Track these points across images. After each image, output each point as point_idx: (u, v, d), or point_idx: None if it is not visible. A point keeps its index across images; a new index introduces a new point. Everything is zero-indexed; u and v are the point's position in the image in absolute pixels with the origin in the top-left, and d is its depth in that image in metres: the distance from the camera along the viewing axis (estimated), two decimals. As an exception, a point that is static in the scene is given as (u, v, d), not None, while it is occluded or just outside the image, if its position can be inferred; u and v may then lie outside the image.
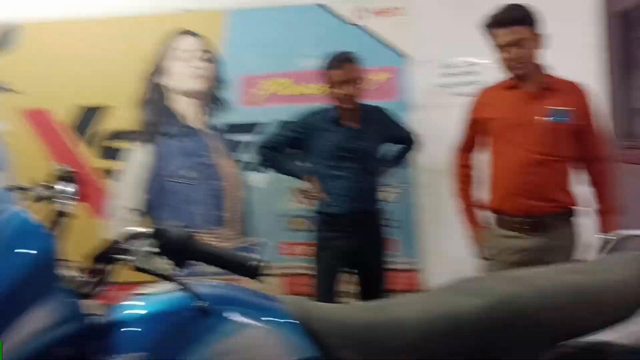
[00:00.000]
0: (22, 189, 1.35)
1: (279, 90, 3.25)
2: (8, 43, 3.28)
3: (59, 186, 1.36)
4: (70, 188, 1.36)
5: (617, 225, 2.30)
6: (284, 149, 2.85)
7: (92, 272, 1.13)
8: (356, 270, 2.81)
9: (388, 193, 3.20)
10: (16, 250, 1.01)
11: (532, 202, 2.36)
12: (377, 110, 2.87)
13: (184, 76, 3.25)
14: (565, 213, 2.40)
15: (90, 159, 3.29)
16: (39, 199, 1.35)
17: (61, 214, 1.33)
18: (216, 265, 1.13)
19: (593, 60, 3.18)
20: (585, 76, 3.09)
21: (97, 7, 3.23)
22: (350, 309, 1.41)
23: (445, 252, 3.14)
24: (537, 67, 2.39)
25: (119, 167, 3.29)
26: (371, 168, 2.80)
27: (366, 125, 2.78)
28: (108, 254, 1.13)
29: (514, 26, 2.29)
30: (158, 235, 1.11)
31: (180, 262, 1.10)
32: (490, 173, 2.50)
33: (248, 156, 3.25)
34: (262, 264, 1.10)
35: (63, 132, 3.29)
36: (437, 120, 3.18)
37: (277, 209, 3.27)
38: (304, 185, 2.87)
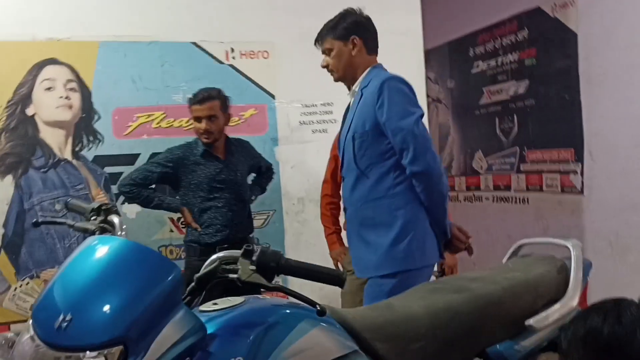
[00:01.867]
0: (71, 226, 1.38)
1: (152, 122, 3.32)
2: None
3: (114, 219, 1.41)
4: (118, 220, 1.42)
5: None
6: (151, 184, 2.93)
7: (201, 288, 1.30)
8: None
9: (256, 219, 3.46)
10: (154, 278, 1.18)
11: None
12: (241, 143, 3.11)
13: (50, 106, 3.15)
14: None
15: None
16: (92, 232, 1.39)
17: None
18: (306, 277, 1.33)
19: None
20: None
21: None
22: (369, 310, 1.68)
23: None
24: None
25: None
26: (240, 197, 3.01)
27: (232, 157, 3.00)
28: (214, 272, 1.31)
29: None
30: (250, 254, 1.28)
31: (271, 276, 1.28)
32: None
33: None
34: (345, 275, 1.32)
35: None
36: (299, 153, 3.55)
37: (148, 239, 3.31)
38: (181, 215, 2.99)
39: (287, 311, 1.42)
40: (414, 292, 1.82)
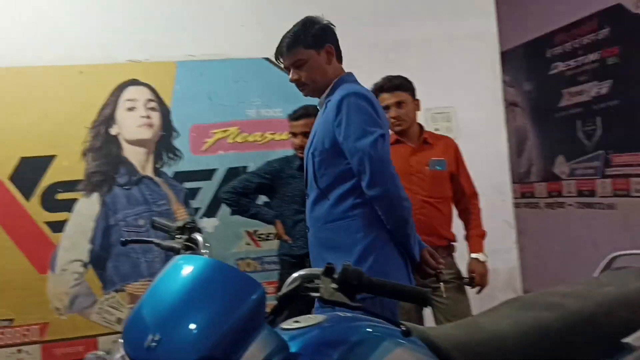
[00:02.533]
0: (157, 245, 1.43)
1: (227, 138, 3.39)
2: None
3: (198, 237, 1.45)
4: (202, 238, 1.46)
5: (482, 247, 2.88)
6: (250, 194, 3.03)
7: (283, 307, 1.31)
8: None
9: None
10: (238, 297, 1.19)
11: (423, 237, 2.79)
12: None
13: (132, 125, 3.28)
14: (447, 246, 2.86)
15: (35, 211, 3.17)
16: (177, 250, 1.43)
17: None
18: (390, 296, 1.31)
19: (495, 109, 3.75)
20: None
21: (43, 55, 3.17)
22: (454, 328, 1.63)
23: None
24: (416, 125, 2.87)
25: (65, 219, 3.21)
26: None
27: None
28: (296, 291, 1.31)
29: (395, 91, 2.77)
30: (331, 272, 1.28)
31: (353, 295, 1.27)
32: None
33: (197, 202, 3.34)
34: (430, 294, 1.30)
35: (4, 184, 3.15)
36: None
37: (225, 252, 3.38)
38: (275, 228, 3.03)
39: (371, 330, 1.39)
40: (502, 309, 1.75)
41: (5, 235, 3.11)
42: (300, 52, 2.12)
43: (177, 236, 1.53)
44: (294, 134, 2.97)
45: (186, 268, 1.28)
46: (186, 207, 3.34)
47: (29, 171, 3.15)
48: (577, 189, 4.60)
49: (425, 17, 3.71)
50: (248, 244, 3.41)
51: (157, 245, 1.59)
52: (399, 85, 2.79)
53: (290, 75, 2.17)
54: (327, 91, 2.14)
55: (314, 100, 2.26)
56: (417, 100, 2.85)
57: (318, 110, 2.83)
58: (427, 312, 2.84)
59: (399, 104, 2.77)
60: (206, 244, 1.47)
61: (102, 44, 3.25)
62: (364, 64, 3.41)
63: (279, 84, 3.43)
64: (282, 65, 2.23)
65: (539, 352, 1.54)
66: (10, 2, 3.21)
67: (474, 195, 2.96)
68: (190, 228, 1.52)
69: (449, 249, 2.88)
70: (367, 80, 2.75)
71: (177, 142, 3.34)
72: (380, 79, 2.83)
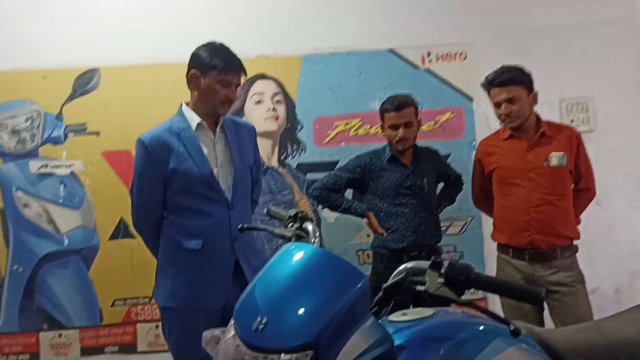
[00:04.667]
0: (271, 232, 1.52)
1: (350, 130, 3.42)
2: (89, 87, 3.42)
3: (309, 226, 1.50)
4: (312, 227, 1.51)
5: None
6: (340, 188, 2.98)
7: (388, 298, 1.32)
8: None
9: (454, 226, 3.39)
10: (343, 287, 1.23)
11: (540, 237, 2.65)
12: (429, 151, 3.03)
13: (259, 118, 3.41)
14: (569, 246, 2.69)
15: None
16: (289, 238, 1.50)
17: None
18: (499, 293, 1.29)
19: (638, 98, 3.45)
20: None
21: (175, 52, 3.38)
22: (574, 331, 1.56)
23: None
24: (533, 118, 2.71)
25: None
26: (427, 204, 2.92)
27: (419, 164, 2.92)
28: (401, 283, 1.32)
29: (505, 86, 2.62)
30: (438, 267, 1.27)
31: (460, 290, 1.26)
32: (498, 213, 2.80)
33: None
34: (544, 293, 1.26)
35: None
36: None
37: (345, 243, 3.43)
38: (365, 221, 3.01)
39: (481, 327, 1.35)
40: (629, 314, 1.62)
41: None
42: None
43: (289, 225, 1.58)
44: (395, 126, 2.82)
45: (295, 256, 1.32)
46: (309, 198, 3.42)
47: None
48: None
49: (560, 2, 3.49)
50: (368, 236, 3.41)
51: (270, 232, 1.65)
52: (510, 79, 2.63)
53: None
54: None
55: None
56: (535, 92, 2.69)
57: (413, 100, 2.88)
58: (548, 317, 2.69)
59: (510, 100, 2.62)
60: (316, 234, 1.50)
61: (235, 41, 3.39)
62: (493, 53, 3.31)
63: (402, 75, 3.41)
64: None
65: None
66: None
67: (588, 191, 2.80)
68: (302, 217, 1.57)
69: (572, 249, 2.71)
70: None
71: (301, 134, 3.43)
72: (492, 71, 2.70)
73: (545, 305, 2.67)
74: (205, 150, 2.31)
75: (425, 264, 1.32)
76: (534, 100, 2.69)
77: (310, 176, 3.42)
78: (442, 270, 1.28)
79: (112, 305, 3.35)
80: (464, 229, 3.43)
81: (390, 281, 1.35)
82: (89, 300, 3.35)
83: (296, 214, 1.58)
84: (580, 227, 2.80)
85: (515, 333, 1.21)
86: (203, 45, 2.38)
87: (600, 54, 3.44)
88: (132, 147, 2.42)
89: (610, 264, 3.41)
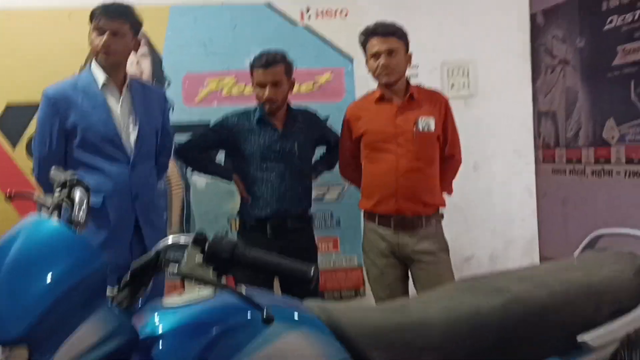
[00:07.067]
0: (35, 200, 1.31)
1: (223, 89, 3.20)
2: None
3: (76, 195, 1.30)
4: (84, 197, 1.31)
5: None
6: (208, 150, 2.81)
7: (135, 283, 1.15)
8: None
9: (330, 192, 3.25)
10: (72, 270, 1.05)
11: (407, 204, 2.56)
12: (306, 113, 2.83)
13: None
14: (434, 214, 2.63)
15: (21, 159, 3.11)
16: (55, 208, 1.28)
17: (76, 223, 1.26)
18: (267, 272, 1.13)
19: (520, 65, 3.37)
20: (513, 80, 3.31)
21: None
22: (375, 311, 1.45)
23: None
24: (403, 80, 2.61)
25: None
26: (298, 170, 2.72)
27: (291, 127, 2.72)
28: (150, 265, 1.15)
29: (387, 37, 2.52)
30: (199, 243, 1.11)
31: (225, 270, 1.10)
32: (366, 179, 2.68)
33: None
34: (314, 271, 1.10)
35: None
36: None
37: (218, 210, 3.23)
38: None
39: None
40: (441, 291, 1.51)
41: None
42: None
43: (57, 191, 1.36)
44: (262, 84, 2.60)
45: (24, 233, 1.12)
46: (176, 161, 3.20)
47: (15, 118, 3.08)
48: (626, 157, 4.15)
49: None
50: (243, 202, 3.25)
51: (35, 200, 1.43)
52: (393, 31, 2.54)
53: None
54: None
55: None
56: (410, 53, 2.59)
57: (285, 57, 2.63)
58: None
59: (390, 52, 2.51)
60: (82, 205, 1.28)
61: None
62: (375, 11, 3.14)
63: (279, 32, 3.20)
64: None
65: (473, 343, 1.31)
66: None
67: (452, 157, 2.72)
68: (71, 183, 1.34)
69: (437, 217, 2.63)
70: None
71: (168, 92, 3.16)
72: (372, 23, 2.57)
73: (410, 275, 2.62)
74: (109, 108, 2.34)
75: (187, 239, 1.15)
76: (409, 61, 2.61)
77: (179, 137, 3.19)
78: (199, 247, 1.11)
79: None
80: (341, 196, 3.30)
81: (139, 261, 1.17)
82: None
83: (65, 180, 1.35)
84: (456, 194, 2.74)
85: (268, 320, 1.07)
86: None
87: (484, 19, 3.35)
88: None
89: (487, 230, 3.38)
